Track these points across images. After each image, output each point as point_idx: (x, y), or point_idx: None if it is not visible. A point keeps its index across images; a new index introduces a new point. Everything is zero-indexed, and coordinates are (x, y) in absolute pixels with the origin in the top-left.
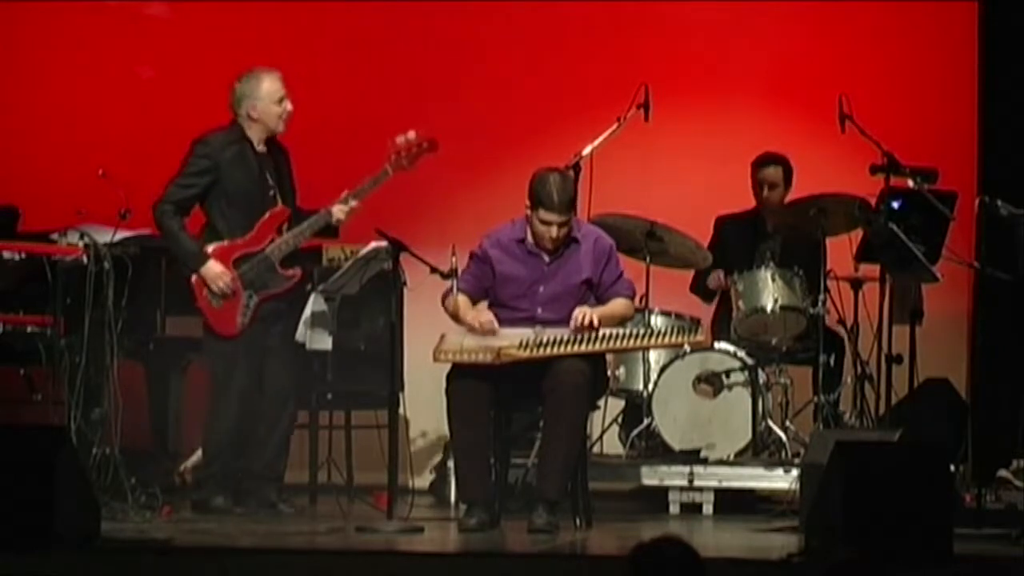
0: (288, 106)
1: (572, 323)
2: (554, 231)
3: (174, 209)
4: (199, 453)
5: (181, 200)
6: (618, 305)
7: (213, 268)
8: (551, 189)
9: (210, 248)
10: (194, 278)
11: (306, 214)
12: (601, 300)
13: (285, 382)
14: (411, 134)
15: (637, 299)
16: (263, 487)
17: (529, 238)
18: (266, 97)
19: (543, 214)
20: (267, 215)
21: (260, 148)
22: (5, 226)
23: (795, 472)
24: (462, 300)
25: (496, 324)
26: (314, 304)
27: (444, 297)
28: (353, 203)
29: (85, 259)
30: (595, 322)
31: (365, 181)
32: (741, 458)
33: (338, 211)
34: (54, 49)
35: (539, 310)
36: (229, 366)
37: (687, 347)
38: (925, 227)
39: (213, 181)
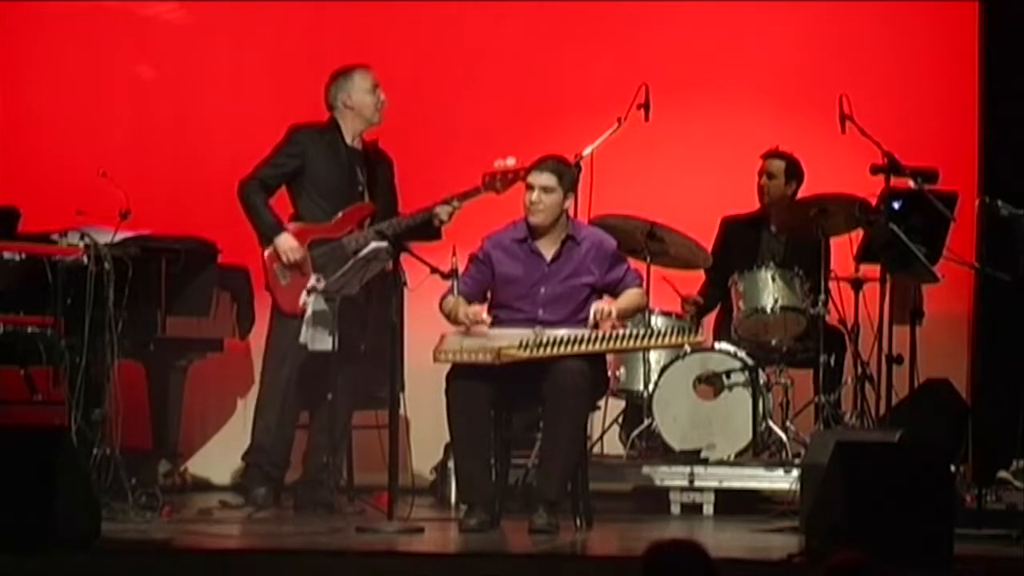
0: (382, 96)
1: (591, 319)
2: (534, 195)
3: (259, 185)
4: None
5: (267, 178)
6: (633, 296)
7: (287, 240)
8: (544, 158)
9: (290, 227)
10: (265, 254)
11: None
12: (614, 296)
13: (340, 381)
14: (510, 160)
15: None
16: (318, 490)
17: (530, 238)
18: (359, 87)
19: (528, 178)
20: (351, 207)
21: (354, 144)
22: (5, 226)
23: (795, 472)
24: (460, 300)
25: (484, 314)
26: (314, 304)
27: (442, 300)
28: (457, 204)
29: (85, 259)
30: (614, 314)
31: (457, 192)
32: (741, 458)
33: (442, 211)
34: (54, 49)
35: (540, 311)
36: (285, 346)
37: (687, 347)
38: (925, 227)
39: (300, 166)
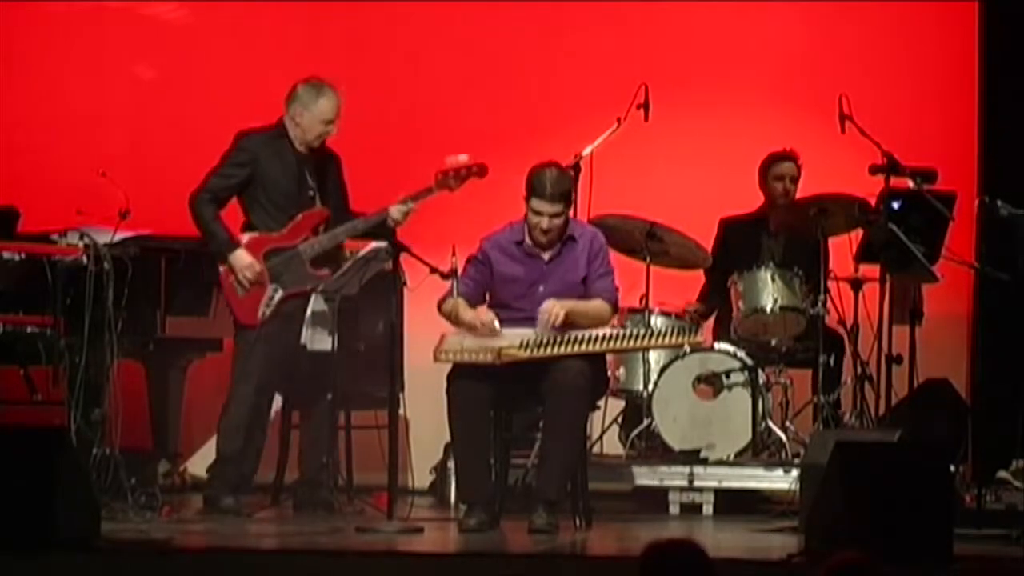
0: (333, 130)
1: (540, 316)
2: (545, 222)
3: (211, 198)
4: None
5: (218, 190)
6: (593, 304)
7: (243, 258)
8: (545, 180)
9: (244, 238)
10: (222, 267)
11: (359, 217)
12: (585, 294)
13: (318, 384)
14: (462, 157)
15: (637, 299)
16: (318, 491)
17: (527, 239)
18: (317, 113)
19: (535, 203)
20: (304, 214)
21: (302, 149)
22: (5, 226)
23: (795, 472)
24: (460, 301)
25: (497, 323)
26: (314, 304)
27: (441, 302)
28: (412, 204)
29: (85, 259)
30: (560, 317)
31: (410, 193)
32: (741, 458)
33: (396, 211)
34: (54, 49)
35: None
36: (249, 356)
37: (687, 347)
38: (925, 227)
39: (251, 175)
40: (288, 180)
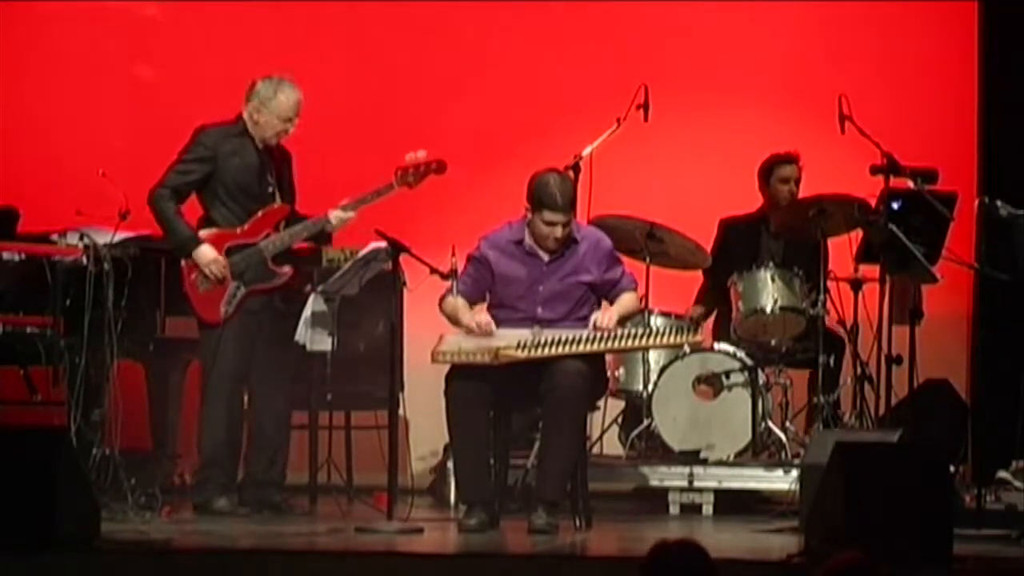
0: (291, 128)
1: (591, 326)
2: (559, 231)
3: (170, 194)
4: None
5: (178, 186)
6: (629, 301)
7: (207, 253)
8: (553, 190)
9: (203, 234)
10: (184, 262)
11: (302, 218)
12: (610, 298)
13: (276, 381)
14: (421, 153)
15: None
16: (265, 490)
17: (527, 239)
18: (275, 109)
19: (548, 215)
20: (265, 210)
21: (261, 145)
22: (5, 226)
23: (795, 473)
24: (460, 302)
25: (493, 325)
26: (314, 305)
27: (441, 300)
28: (351, 214)
29: (85, 260)
30: (614, 322)
31: (368, 192)
32: (741, 459)
33: (335, 218)
34: (54, 49)
35: (539, 310)
36: (217, 355)
37: (687, 348)
38: (925, 228)
39: (211, 171)
40: (249, 176)
